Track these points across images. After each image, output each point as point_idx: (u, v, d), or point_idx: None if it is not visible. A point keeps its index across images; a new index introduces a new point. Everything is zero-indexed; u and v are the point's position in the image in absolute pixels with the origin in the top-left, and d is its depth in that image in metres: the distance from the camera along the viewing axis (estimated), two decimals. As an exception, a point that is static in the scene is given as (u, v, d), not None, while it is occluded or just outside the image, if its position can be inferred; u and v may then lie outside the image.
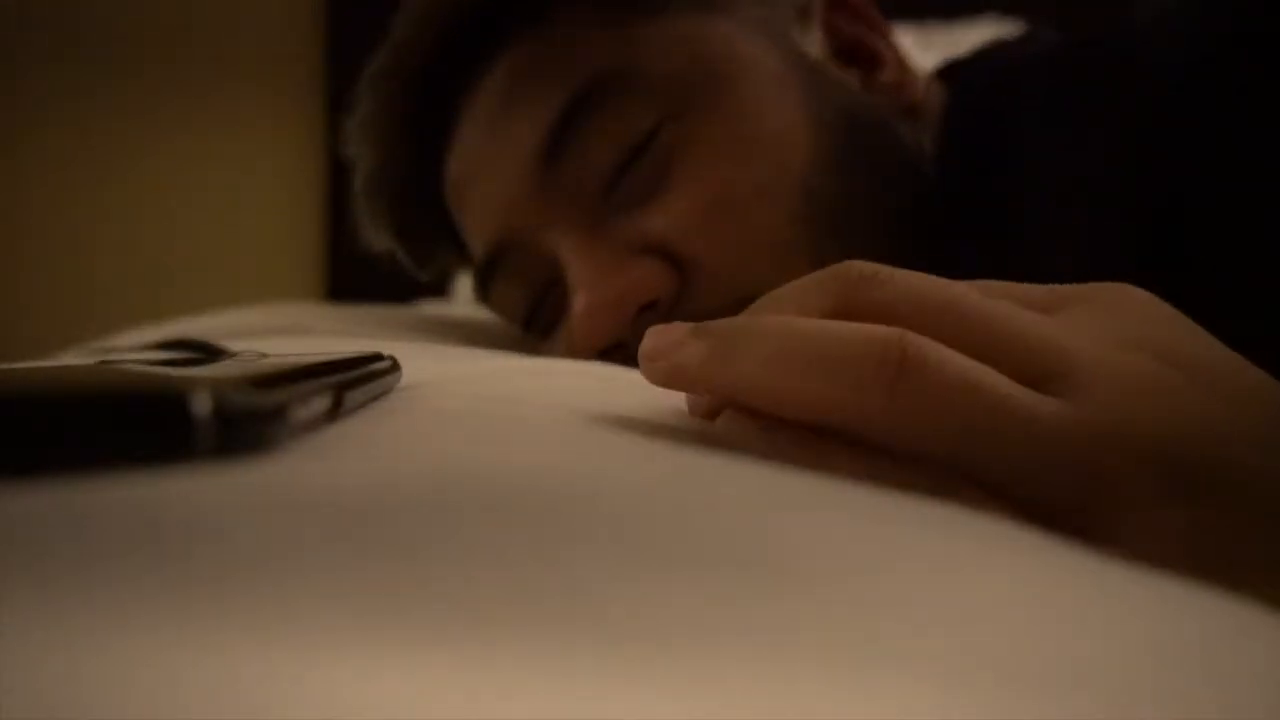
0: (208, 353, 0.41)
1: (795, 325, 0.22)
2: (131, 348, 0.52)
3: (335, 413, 0.21)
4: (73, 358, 0.54)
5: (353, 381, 0.22)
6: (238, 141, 1.39)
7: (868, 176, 0.50)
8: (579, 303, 0.49)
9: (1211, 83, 0.40)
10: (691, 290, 0.48)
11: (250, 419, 0.15)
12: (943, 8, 1.07)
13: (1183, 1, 0.43)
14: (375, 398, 0.26)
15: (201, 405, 0.14)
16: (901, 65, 0.55)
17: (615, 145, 0.49)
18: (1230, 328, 0.24)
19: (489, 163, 0.53)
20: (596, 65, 0.50)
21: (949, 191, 0.50)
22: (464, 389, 0.31)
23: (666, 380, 0.23)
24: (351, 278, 1.46)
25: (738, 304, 0.47)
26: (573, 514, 0.14)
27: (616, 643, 0.10)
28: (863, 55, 0.54)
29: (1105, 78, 0.45)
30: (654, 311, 0.48)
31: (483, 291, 0.57)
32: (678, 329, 0.24)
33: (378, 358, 0.28)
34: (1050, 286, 0.25)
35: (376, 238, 0.63)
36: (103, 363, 0.28)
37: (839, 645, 0.11)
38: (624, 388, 0.33)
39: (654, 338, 0.24)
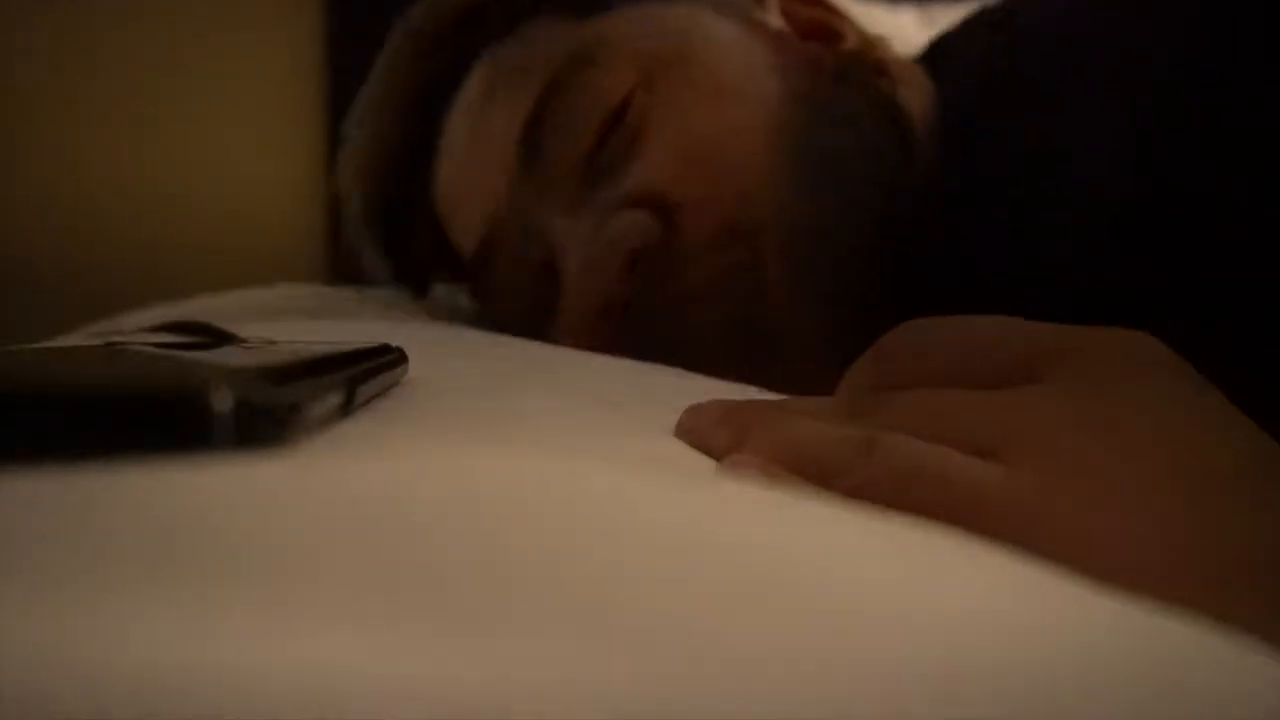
0: (214, 336, 0.41)
1: (794, 426, 0.26)
2: (137, 330, 0.52)
3: (348, 407, 0.21)
4: (79, 340, 0.54)
5: (364, 375, 0.23)
6: (240, 121, 1.39)
7: (844, 125, 0.50)
8: (571, 264, 0.49)
9: (1203, 62, 0.40)
10: (679, 234, 0.48)
11: (268, 415, 0.15)
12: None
13: None
14: (385, 390, 0.26)
15: (222, 400, 0.14)
16: (863, 36, 0.55)
17: (590, 118, 0.50)
18: (1229, 322, 0.24)
19: (473, 160, 0.54)
20: (565, 53, 0.51)
21: (945, 182, 0.50)
22: (470, 383, 0.31)
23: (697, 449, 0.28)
24: (357, 259, 1.46)
25: (723, 243, 0.47)
26: (573, 513, 0.14)
27: (628, 639, 0.10)
28: (822, 35, 0.55)
29: (1094, 58, 0.45)
30: (645, 262, 0.48)
31: (479, 289, 0.57)
32: (711, 411, 0.29)
33: (386, 349, 0.28)
34: (1050, 334, 0.25)
35: (374, 268, 0.64)
36: (110, 345, 0.28)
37: (802, 656, 0.11)
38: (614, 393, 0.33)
39: (691, 416, 0.30)
